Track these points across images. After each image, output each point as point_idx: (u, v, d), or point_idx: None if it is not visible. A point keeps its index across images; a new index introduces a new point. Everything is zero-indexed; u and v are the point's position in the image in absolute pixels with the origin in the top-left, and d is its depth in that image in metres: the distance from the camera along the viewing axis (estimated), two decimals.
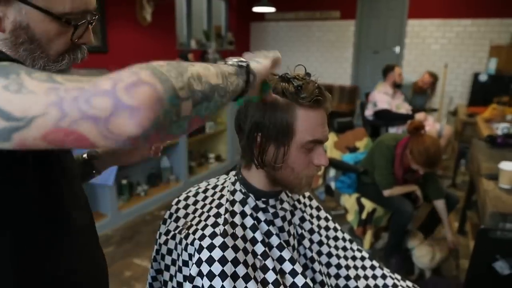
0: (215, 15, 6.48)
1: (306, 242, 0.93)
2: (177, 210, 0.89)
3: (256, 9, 5.47)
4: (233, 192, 0.87)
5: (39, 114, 0.42)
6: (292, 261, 0.83)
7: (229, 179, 0.93)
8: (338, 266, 0.97)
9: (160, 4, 5.00)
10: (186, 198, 0.91)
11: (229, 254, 0.75)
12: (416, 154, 2.08)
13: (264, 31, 6.98)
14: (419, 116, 3.61)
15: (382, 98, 3.71)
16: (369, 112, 3.84)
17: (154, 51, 5.10)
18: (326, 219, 1.04)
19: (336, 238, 1.02)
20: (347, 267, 0.98)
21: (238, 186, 0.88)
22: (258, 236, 0.82)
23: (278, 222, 0.88)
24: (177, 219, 0.87)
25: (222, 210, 0.83)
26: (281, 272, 0.82)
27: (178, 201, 0.92)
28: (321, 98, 0.78)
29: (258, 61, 0.66)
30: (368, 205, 2.40)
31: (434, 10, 5.59)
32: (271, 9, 5.52)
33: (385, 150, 2.26)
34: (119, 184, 3.09)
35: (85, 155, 0.92)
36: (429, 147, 2.05)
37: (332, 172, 2.69)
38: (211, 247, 0.75)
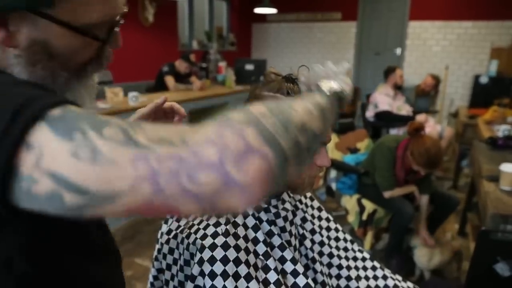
0: (217, 16, 6.49)
1: (307, 243, 0.94)
2: None
3: (258, 10, 5.48)
4: None
5: (126, 190, 0.35)
6: (294, 261, 0.83)
7: None
8: (340, 267, 0.97)
9: (162, 5, 5.02)
10: None
11: (231, 254, 0.75)
12: (417, 155, 2.08)
13: (266, 32, 6.99)
14: (420, 117, 3.62)
15: (383, 99, 3.71)
16: (370, 114, 3.84)
17: (156, 52, 5.11)
18: (328, 220, 1.04)
19: (337, 239, 1.02)
20: (348, 268, 0.98)
21: None
22: (260, 236, 0.83)
23: (280, 222, 0.88)
24: (179, 219, 0.88)
25: None
26: (283, 272, 0.82)
27: None
28: None
29: (345, 82, 0.63)
30: (369, 206, 2.41)
31: (435, 12, 5.60)
32: (273, 10, 5.54)
33: (386, 152, 2.26)
34: None
35: None
36: (430, 148, 2.06)
37: (333, 173, 2.69)
38: (213, 247, 0.75)
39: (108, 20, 0.53)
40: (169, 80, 4.09)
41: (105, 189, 0.35)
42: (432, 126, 3.74)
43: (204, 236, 0.77)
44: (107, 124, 0.37)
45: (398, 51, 6.03)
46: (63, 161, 0.35)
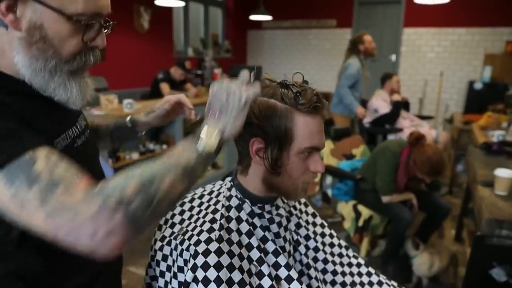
0: (212, 23, 6.52)
1: (302, 248, 0.93)
2: (173, 216, 0.89)
3: (253, 17, 5.52)
4: (228, 198, 0.87)
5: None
6: (288, 267, 0.82)
7: (225, 185, 0.92)
8: (334, 273, 0.96)
9: (157, 12, 5.03)
10: (182, 204, 0.91)
11: (225, 260, 0.75)
12: (420, 164, 2.09)
13: (261, 39, 7.03)
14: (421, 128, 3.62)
15: (382, 104, 3.72)
16: (367, 120, 3.85)
17: (151, 59, 5.12)
18: (322, 226, 1.03)
19: (332, 245, 1.01)
20: (343, 274, 0.97)
21: (234, 191, 0.88)
22: (254, 241, 0.82)
23: (274, 228, 0.88)
24: (172, 225, 0.87)
25: (217, 216, 0.83)
26: (277, 278, 0.81)
27: (174, 207, 0.91)
28: (320, 104, 0.78)
29: (235, 121, 0.67)
30: (365, 212, 2.40)
31: (429, 19, 5.65)
32: (268, 18, 5.57)
33: (390, 157, 2.25)
34: None
35: (129, 123, 1.02)
36: (431, 156, 2.06)
37: (328, 180, 2.69)
38: (206, 253, 0.74)
39: (91, 14, 0.63)
40: (164, 87, 4.08)
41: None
42: (427, 131, 3.75)
43: (197, 242, 0.76)
44: (36, 182, 0.53)
45: (393, 57, 6.07)
46: (6, 201, 0.54)
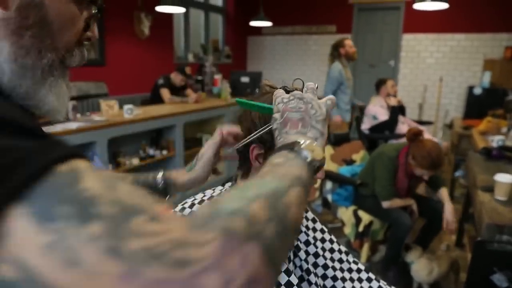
0: (213, 29, 6.55)
1: (301, 254, 0.93)
2: None
3: (253, 23, 5.54)
4: None
5: None
6: (288, 272, 0.82)
7: (225, 190, 0.92)
8: (334, 278, 0.96)
9: (158, 18, 5.06)
10: (182, 210, 0.91)
11: None
12: (420, 159, 2.10)
13: (261, 44, 7.06)
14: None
15: (381, 111, 3.73)
16: (365, 126, 3.85)
17: (152, 64, 5.14)
18: (322, 231, 1.03)
19: (332, 250, 1.01)
20: (343, 279, 0.97)
21: None
22: None
23: None
24: None
25: None
26: (277, 285, 0.81)
27: (174, 213, 0.91)
28: None
29: (322, 131, 0.58)
30: (365, 217, 2.40)
31: (428, 25, 5.68)
32: (268, 23, 5.60)
33: (387, 161, 2.26)
34: None
35: (160, 183, 0.80)
36: (431, 149, 2.08)
37: (328, 185, 2.69)
38: None
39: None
40: (165, 93, 4.09)
41: None
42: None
43: None
44: (94, 214, 0.29)
45: (392, 63, 6.10)
46: (33, 253, 0.28)
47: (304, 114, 0.60)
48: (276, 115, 0.63)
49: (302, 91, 0.82)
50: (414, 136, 2.18)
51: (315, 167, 0.52)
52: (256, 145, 0.79)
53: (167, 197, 0.81)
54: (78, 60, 0.50)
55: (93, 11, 0.50)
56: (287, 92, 0.80)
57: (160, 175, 0.80)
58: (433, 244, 2.62)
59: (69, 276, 0.27)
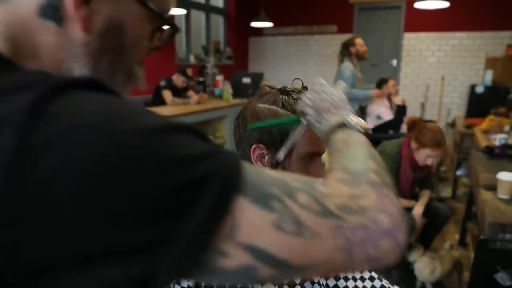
0: (214, 30, 6.56)
1: None
2: None
3: (254, 24, 5.55)
4: None
5: (322, 261, 0.35)
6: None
7: None
8: (337, 277, 0.96)
9: None
10: None
11: None
12: (422, 137, 2.12)
13: (263, 45, 7.06)
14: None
15: (385, 110, 3.72)
16: (369, 126, 3.84)
17: (154, 66, 5.14)
18: None
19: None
20: (346, 279, 0.97)
21: None
22: None
23: None
24: None
25: None
26: (279, 285, 0.81)
27: None
28: None
29: (352, 113, 0.64)
30: None
31: (429, 24, 5.67)
32: (269, 24, 5.61)
33: (389, 160, 2.24)
34: None
35: None
36: (431, 127, 2.14)
37: None
38: None
39: (168, 13, 0.48)
40: (166, 95, 4.10)
41: (304, 262, 0.34)
42: None
43: None
44: (296, 189, 0.35)
45: (394, 62, 6.09)
46: (266, 234, 0.32)
47: (330, 99, 0.65)
48: (308, 110, 0.67)
49: (302, 91, 0.82)
50: (414, 123, 2.22)
51: (365, 131, 0.60)
52: (257, 145, 0.80)
53: None
54: (139, 78, 0.47)
55: (170, 30, 0.49)
56: (286, 92, 0.81)
57: None
58: (436, 243, 2.61)
59: (300, 244, 0.33)
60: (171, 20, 0.47)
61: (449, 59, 5.68)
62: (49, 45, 0.38)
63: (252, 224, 0.32)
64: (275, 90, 0.82)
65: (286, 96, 0.80)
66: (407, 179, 2.26)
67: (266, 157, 0.80)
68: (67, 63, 0.39)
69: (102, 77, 0.41)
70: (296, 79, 0.86)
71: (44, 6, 0.37)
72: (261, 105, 0.80)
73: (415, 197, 2.39)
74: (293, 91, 0.80)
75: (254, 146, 0.80)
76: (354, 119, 0.61)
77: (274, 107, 0.79)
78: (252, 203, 0.32)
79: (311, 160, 0.81)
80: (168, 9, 0.47)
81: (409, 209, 2.32)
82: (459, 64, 5.63)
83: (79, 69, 0.40)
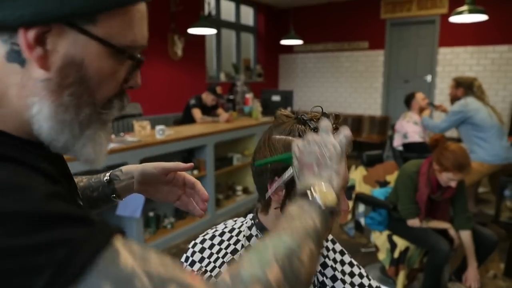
0: (244, 48, 6.64)
1: None
2: (193, 253, 0.87)
3: (284, 42, 5.56)
4: (249, 238, 0.83)
5: None
6: None
7: (246, 222, 0.89)
8: (333, 278, 0.90)
9: (190, 40, 5.19)
10: (203, 241, 0.89)
11: None
12: (444, 160, 2.03)
13: (293, 63, 7.06)
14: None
15: (413, 128, 3.58)
16: (397, 143, 3.70)
17: (184, 85, 5.25)
18: (351, 264, 0.97)
19: (362, 286, 0.95)
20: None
21: (254, 231, 0.84)
22: None
23: None
24: (192, 263, 0.84)
25: (236, 257, 0.79)
26: None
27: (195, 244, 0.89)
28: None
29: (338, 175, 0.58)
30: (401, 243, 2.27)
31: (466, 38, 5.47)
32: (299, 42, 5.60)
33: (406, 179, 2.21)
34: (146, 217, 3.11)
35: (106, 177, 0.78)
36: (455, 150, 2.03)
37: (361, 208, 2.59)
38: None
39: (137, 47, 0.50)
40: (196, 113, 4.15)
41: None
42: None
43: None
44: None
45: (429, 78, 5.90)
46: None
47: (318, 156, 0.59)
48: (294, 161, 0.63)
49: (320, 118, 0.78)
50: (436, 142, 2.15)
51: (329, 212, 0.54)
52: (272, 179, 0.76)
53: (111, 195, 0.78)
54: (117, 111, 0.51)
55: (133, 63, 0.51)
56: (303, 121, 0.77)
57: (108, 173, 0.78)
58: (479, 271, 2.44)
59: None
60: (132, 54, 0.49)
61: (490, 74, 5.43)
62: (16, 83, 0.44)
63: None
64: (292, 118, 0.78)
65: (303, 126, 0.76)
66: (421, 198, 2.17)
67: (283, 190, 0.76)
68: (29, 99, 0.44)
69: (65, 110, 0.45)
70: (316, 106, 0.82)
71: (8, 52, 0.43)
72: (277, 137, 0.77)
73: (451, 221, 2.24)
74: (311, 119, 0.76)
75: (270, 180, 0.76)
76: (325, 189, 0.55)
77: (290, 137, 0.76)
78: None
79: None
80: (134, 43, 0.48)
81: (444, 234, 2.17)
82: (500, 78, 5.37)
83: (39, 102, 0.44)
